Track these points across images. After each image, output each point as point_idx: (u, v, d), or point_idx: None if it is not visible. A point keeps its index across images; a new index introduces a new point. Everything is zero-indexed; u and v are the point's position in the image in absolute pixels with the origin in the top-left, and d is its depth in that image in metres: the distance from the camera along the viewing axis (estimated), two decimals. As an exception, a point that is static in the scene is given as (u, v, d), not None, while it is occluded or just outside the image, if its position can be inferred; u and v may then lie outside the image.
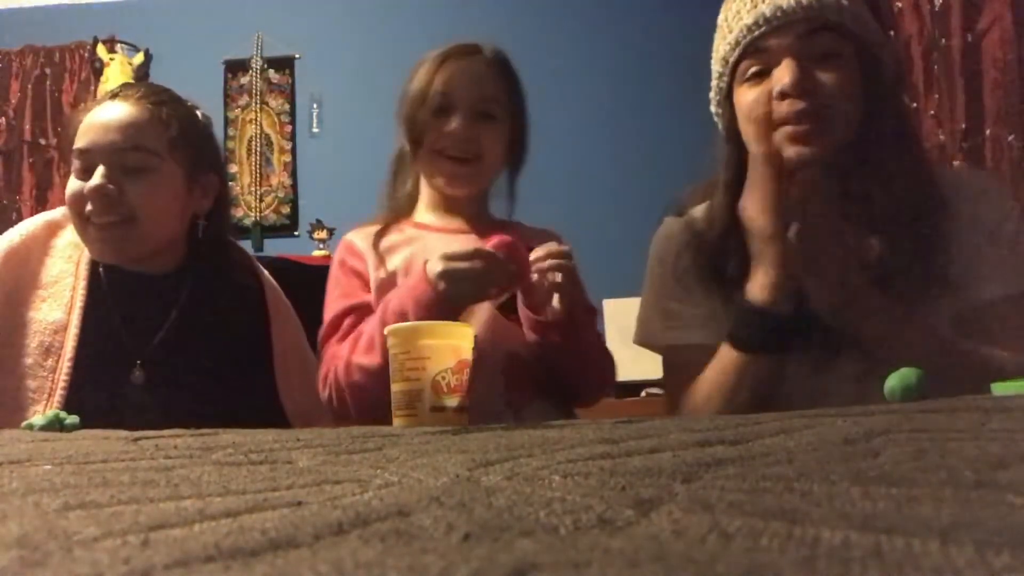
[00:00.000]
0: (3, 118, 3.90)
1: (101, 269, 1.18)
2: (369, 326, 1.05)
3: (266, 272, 1.34)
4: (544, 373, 1.11)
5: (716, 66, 1.08)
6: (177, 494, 0.34)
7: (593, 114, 3.50)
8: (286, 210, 4.01)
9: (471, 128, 1.15)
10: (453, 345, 0.78)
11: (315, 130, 4.01)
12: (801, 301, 0.94)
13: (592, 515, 0.27)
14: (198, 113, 1.25)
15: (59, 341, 1.11)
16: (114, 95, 1.18)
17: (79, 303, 1.14)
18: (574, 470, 0.37)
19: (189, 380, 1.14)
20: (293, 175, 4.02)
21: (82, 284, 1.16)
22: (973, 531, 0.22)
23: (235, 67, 4.02)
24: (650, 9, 3.61)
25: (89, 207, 1.11)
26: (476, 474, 0.38)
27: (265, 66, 4.03)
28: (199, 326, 1.19)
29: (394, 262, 1.14)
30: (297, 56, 4.04)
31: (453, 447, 0.49)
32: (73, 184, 1.14)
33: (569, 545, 0.23)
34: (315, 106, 3.99)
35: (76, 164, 1.14)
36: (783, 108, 0.99)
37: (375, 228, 1.20)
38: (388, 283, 1.12)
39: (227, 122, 3.95)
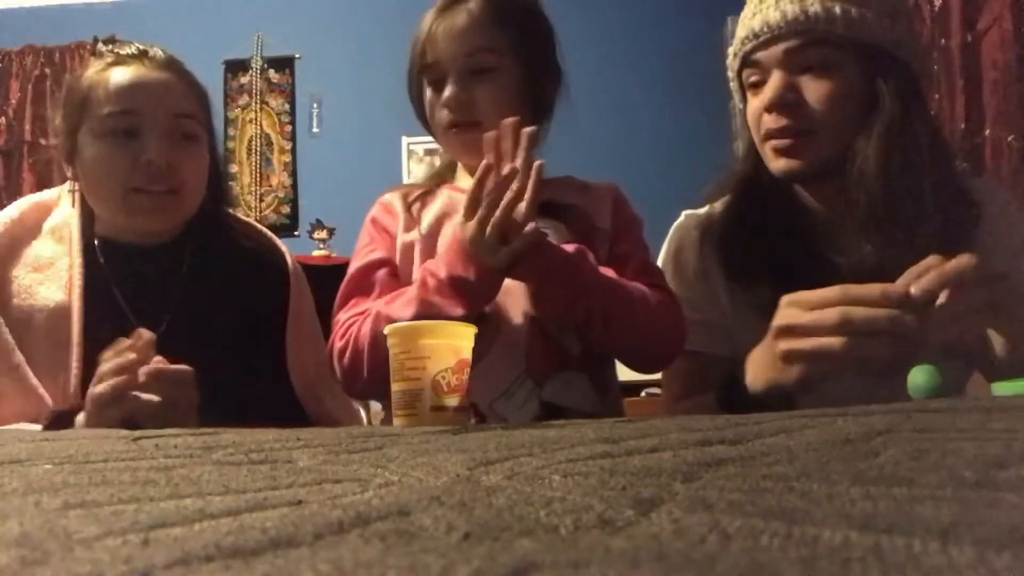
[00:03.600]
0: (3, 118, 3.90)
1: (96, 243, 1.13)
2: (412, 288, 0.96)
3: (279, 240, 1.29)
4: (574, 339, 1.01)
5: (730, 70, 1.11)
6: (177, 493, 0.34)
7: (596, 112, 3.51)
8: (286, 210, 4.02)
9: (464, 91, 1.02)
10: (453, 345, 0.78)
11: (315, 130, 4.02)
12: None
13: (592, 515, 0.27)
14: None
15: (64, 325, 1.06)
16: (137, 56, 1.11)
17: (78, 283, 1.08)
18: (574, 470, 0.37)
19: (199, 351, 1.01)
20: (293, 175, 4.02)
21: (78, 262, 1.10)
22: (973, 531, 0.22)
23: (235, 67, 4.02)
24: (659, 5, 3.62)
25: (141, 177, 1.07)
26: (476, 474, 0.38)
27: (265, 66, 4.03)
28: (206, 296, 1.14)
29: (425, 223, 1.06)
30: (297, 56, 4.03)
31: (453, 447, 0.49)
32: (113, 149, 1.07)
33: (569, 545, 0.23)
34: (315, 106, 4.00)
35: (110, 126, 1.08)
36: (770, 122, 1.01)
37: (417, 191, 1.11)
38: (411, 247, 1.05)
39: (227, 122, 3.96)
